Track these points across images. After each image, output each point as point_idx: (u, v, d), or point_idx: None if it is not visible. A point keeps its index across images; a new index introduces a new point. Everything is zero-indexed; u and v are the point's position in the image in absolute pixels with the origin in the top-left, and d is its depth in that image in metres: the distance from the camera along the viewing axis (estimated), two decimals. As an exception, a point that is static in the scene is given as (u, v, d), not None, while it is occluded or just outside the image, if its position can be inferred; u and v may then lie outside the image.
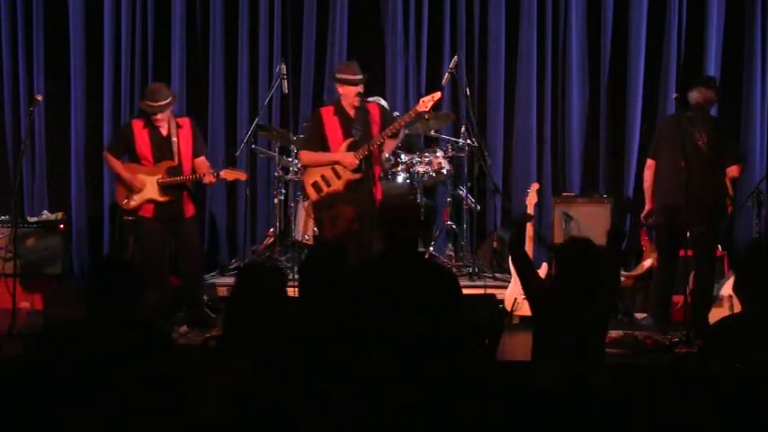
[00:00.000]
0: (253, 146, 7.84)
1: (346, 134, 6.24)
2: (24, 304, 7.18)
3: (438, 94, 6.42)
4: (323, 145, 6.28)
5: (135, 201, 6.39)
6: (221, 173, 6.45)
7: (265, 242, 7.97)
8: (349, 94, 6.27)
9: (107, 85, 8.49)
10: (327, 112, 6.36)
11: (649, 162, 6.61)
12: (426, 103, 6.28)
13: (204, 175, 6.36)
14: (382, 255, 4.31)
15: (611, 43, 8.38)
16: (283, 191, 7.90)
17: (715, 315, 6.66)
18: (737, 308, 6.58)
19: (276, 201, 7.85)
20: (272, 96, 8.03)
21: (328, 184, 6.22)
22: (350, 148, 6.19)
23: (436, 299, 4.02)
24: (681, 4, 8.32)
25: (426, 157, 7.68)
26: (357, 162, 6.14)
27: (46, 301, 6.82)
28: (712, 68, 8.24)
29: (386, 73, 8.40)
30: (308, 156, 6.39)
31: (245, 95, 8.50)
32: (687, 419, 4.33)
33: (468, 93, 7.69)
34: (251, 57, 8.52)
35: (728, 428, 4.12)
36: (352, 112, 6.29)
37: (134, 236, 7.23)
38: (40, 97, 6.87)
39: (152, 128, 6.38)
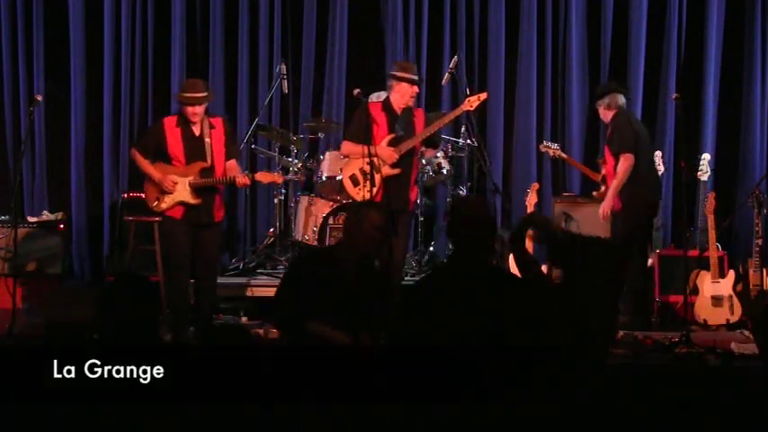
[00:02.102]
0: (253, 146, 7.86)
1: (390, 130, 6.24)
2: (24, 304, 7.18)
3: (484, 95, 6.41)
4: (367, 138, 6.25)
5: (166, 203, 6.13)
6: (256, 175, 6.29)
7: (265, 242, 7.98)
8: (406, 93, 6.26)
9: (107, 85, 8.48)
10: (376, 108, 6.34)
11: (631, 157, 6.53)
12: (472, 102, 6.29)
13: (236, 177, 6.15)
14: (450, 258, 4.03)
15: (611, 43, 8.39)
16: (283, 191, 7.89)
17: (715, 315, 6.69)
18: (737, 308, 6.66)
19: (276, 201, 7.85)
20: (272, 96, 8.05)
21: (366, 178, 6.20)
22: (390, 144, 6.19)
23: (505, 308, 3.63)
24: (681, 4, 8.33)
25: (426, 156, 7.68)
26: (396, 157, 6.14)
27: (46, 301, 6.81)
28: (712, 68, 8.25)
29: (386, 73, 8.39)
30: (349, 146, 6.37)
31: (245, 95, 8.50)
32: (687, 419, 4.33)
33: (469, 93, 7.68)
34: (251, 57, 8.52)
35: (728, 428, 4.12)
36: (399, 112, 6.30)
37: (135, 236, 7.25)
38: (40, 97, 6.84)
39: (185, 127, 6.15)
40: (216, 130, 6.23)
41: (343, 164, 6.58)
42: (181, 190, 6.11)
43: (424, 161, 7.43)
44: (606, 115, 6.74)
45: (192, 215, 6.15)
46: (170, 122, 6.22)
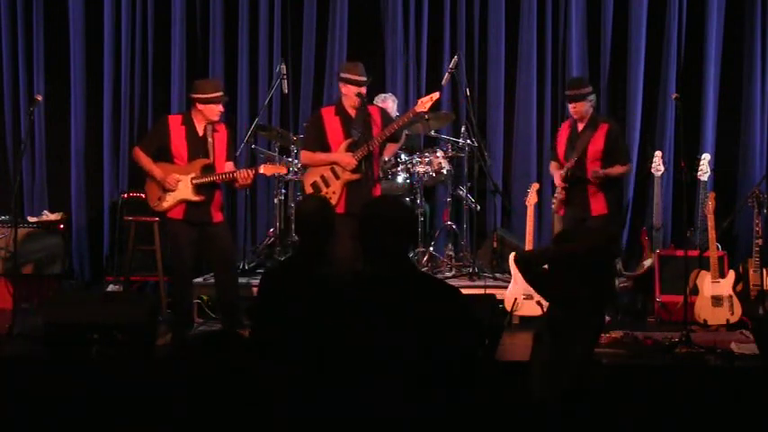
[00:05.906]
0: (253, 146, 7.85)
1: (346, 134, 6.22)
2: (24, 304, 7.18)
3: (436, 95, 6.38)
4: (323, 145, 6.26)
5: (168, 201, 6.13)
6: (260, 168, 6.25)
7: (265, 242, 7.97)
8: (350, 94, 6.24)
9: (107, 85, 8.49)
10: (328, 113, 6.34)
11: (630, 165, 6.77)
12: (425, 103, 6.25)
13: (237, 173, 6.11)
14: (362, 270, 3.52)
15: (611, 43, 8.39)
16: (283, 191, 7.89)
17: (715, 315, 6.68)
18: (737, 308, 6.66)
19: (276, 201, 7.85)
20: (272, 96, 8.05)
21: (327, 185, 6.21)
22: (349, 149, 6.18)
23: (427, 320, 3.21)
24: (681, 4, 8.32)
25: (426, 157, 7.67)
26: (355, 162, 6.12)
27: (46, 301, 6.81)
28: (712, 68, 8.24)
29: (386, 73, 8.40)
30: (307, 156, 6.36)
31: (245, 95, 8.50)
32: (687, 419, 4.34)
33: (468, 93, 7.69)
34: (251, 57, 8.52)
35: (729, 428, 4.12)
36: (353, 113, 6.26)
37: (135, 236, 7.24)
38: (40, 97, 6.84)
39: (189, 126, 6.19)
40: (219, 133, 6.29)
41: None
42: (183, 188, 6.12)
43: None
44: (589, 112, 6.69)
45: (193, 214, 6.16)
46: (175, 120, 6.27)
